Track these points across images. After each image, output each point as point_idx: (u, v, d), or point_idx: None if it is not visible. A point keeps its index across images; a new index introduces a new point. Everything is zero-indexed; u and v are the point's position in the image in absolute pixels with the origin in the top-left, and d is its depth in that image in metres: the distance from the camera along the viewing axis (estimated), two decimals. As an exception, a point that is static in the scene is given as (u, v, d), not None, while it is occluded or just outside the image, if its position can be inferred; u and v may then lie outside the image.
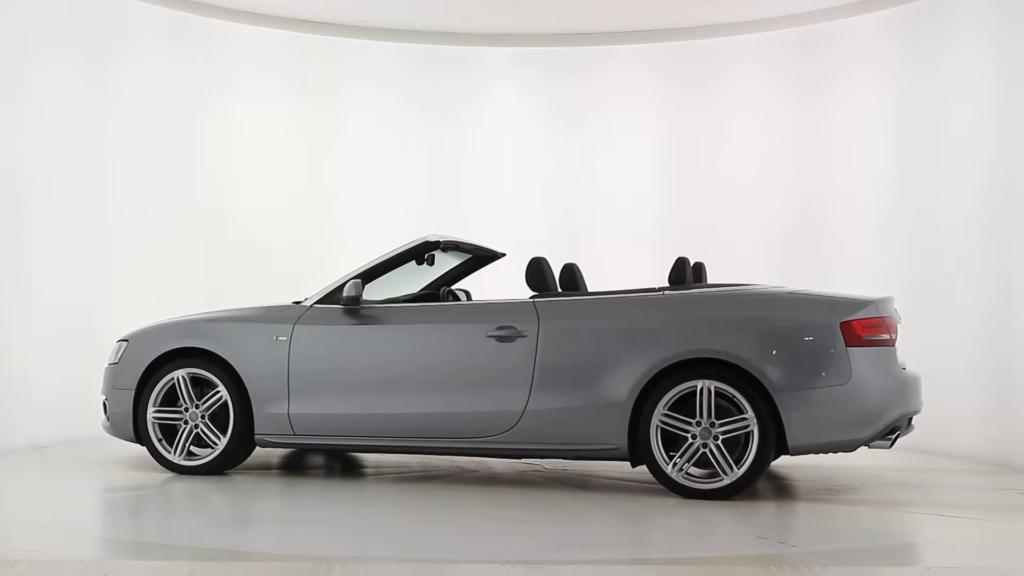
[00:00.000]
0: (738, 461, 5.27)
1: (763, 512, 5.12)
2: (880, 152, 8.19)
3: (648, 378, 5.37)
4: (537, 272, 5.87)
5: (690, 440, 5.31)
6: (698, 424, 5.30)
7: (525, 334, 5.63)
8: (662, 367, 5.35)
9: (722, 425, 5.28)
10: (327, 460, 6.93)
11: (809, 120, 8.74)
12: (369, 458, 6.99)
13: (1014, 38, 7.01)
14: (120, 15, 8.25)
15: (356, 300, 5.94)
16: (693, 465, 5.36)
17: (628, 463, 5.59)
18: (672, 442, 5.39)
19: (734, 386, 5.27)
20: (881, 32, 8.25)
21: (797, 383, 5.23)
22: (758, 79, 9.02)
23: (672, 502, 5.29)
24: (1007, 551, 4.59)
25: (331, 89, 9.37)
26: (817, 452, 5.37)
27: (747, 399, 5.24)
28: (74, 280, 7.87)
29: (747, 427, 5.25)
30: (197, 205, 8.73)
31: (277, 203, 9.10)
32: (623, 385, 5.41)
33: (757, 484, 5.84)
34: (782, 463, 6.59)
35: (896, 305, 5.74)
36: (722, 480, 5.27)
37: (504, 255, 7.01)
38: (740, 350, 5.28)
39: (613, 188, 9.37)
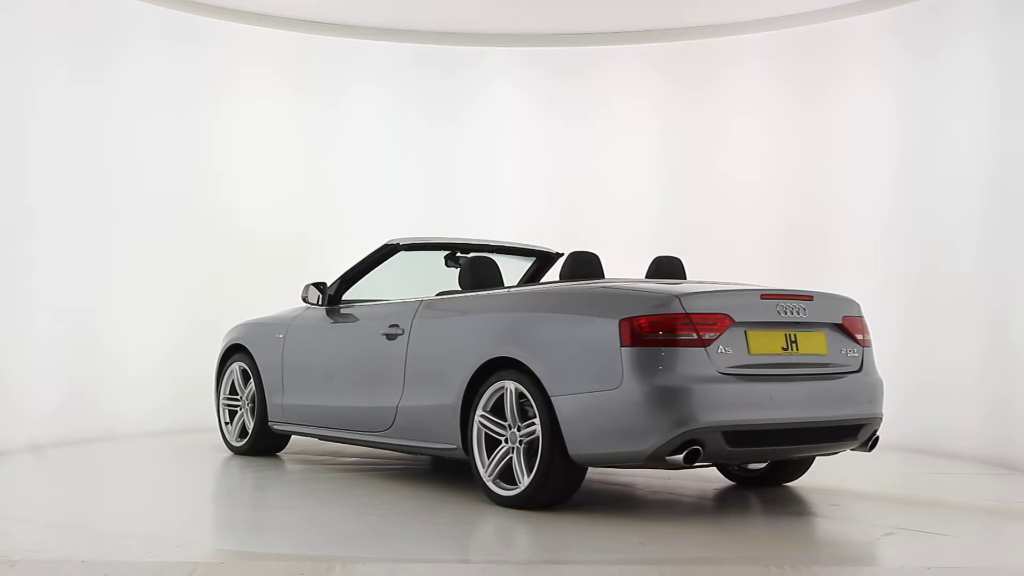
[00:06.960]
0: None
1: (773, 509, 5.12)
2: (880, 152, 8.18)
3: (469, 378, 5.15)
4: (468, 271, 5.71)
5: (502, 444, 5.00)
6: (510, 428, 4.98)
7: (403, 332, 5.69)
8: (477, 367, 5.12)
9: (523, 429, 4.92)
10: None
11: (809, 120, 8.72)
12: (373, 457, 6.99)
13: (1014, 38, 7.00)
14: (120, 15, 8.23)
15: (306, 300, 6.51)
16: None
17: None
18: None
19: (527, 388, 4.88)
20: (881, 32, 8.24)
21: (570, 386, 4.71)
22: (758, 79, 9.01)
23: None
24: (1007, 551, 4.60)
25: (331, 89, 9.36)
26: (603, 464, 4.91)
27: (535, 402, 4.84)
28: (74, 280, 7.86)
29: (536, 432, 4.84)
30: (197, 205, 8.72)
31: (277, 203, 9.08)
32: (454, 385, 5.24)
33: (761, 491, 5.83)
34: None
35: (800, 296, 4.95)
36: (516, 488, 4.91)
37: (561, 255, 6.88)
38: (527, 350, 4.90)
39: (613, 188, 9.36)
